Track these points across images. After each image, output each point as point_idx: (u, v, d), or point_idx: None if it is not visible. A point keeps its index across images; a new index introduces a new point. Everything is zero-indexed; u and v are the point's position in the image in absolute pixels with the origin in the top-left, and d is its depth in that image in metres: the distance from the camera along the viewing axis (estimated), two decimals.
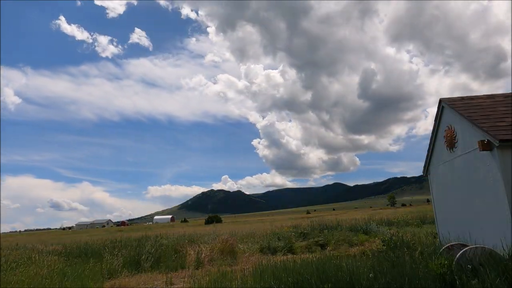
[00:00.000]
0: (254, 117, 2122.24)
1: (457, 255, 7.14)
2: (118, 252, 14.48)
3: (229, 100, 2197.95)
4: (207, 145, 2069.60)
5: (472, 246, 7.38)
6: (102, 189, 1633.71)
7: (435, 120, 11.23)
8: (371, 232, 17.78)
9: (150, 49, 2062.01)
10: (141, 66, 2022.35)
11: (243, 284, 7.79)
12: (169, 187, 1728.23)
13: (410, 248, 9.77)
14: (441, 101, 10.75)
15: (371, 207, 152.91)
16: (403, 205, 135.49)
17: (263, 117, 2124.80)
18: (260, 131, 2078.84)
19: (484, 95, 10.78)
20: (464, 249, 7.23)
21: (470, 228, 9.35)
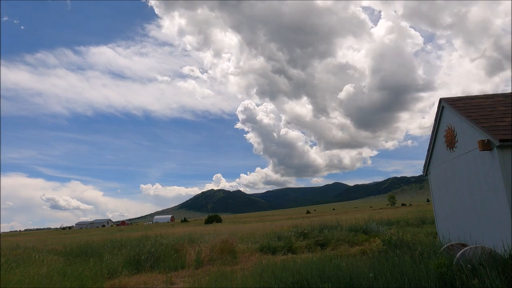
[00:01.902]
0: (240, 110, 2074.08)
1: (457, 255, 7.15)
2: (118, 252, 14.51)
3: (207, 93, 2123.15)
4: (190, 141, 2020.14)
5: (472, 246, 7.39)
6: (92, 187, 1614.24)
7: (435, 120, 11.24)
8: (371, 232, 17.77)
9: (108, 34, 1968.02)
10: (102, 54, 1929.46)
11: (243, 283, 7.80)
12: (164, 187, 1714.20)
13: (410, 248, 9.78)
14: (441, 100, 10.77)
15: (371, 207, 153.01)
16: (403, 205, 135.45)
17: (252, 111, 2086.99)
18: (251, 127, 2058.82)
19: (484, 94, 10.79)
20: (464, 249, 7.23)
21: (470, 228, 9.35)
